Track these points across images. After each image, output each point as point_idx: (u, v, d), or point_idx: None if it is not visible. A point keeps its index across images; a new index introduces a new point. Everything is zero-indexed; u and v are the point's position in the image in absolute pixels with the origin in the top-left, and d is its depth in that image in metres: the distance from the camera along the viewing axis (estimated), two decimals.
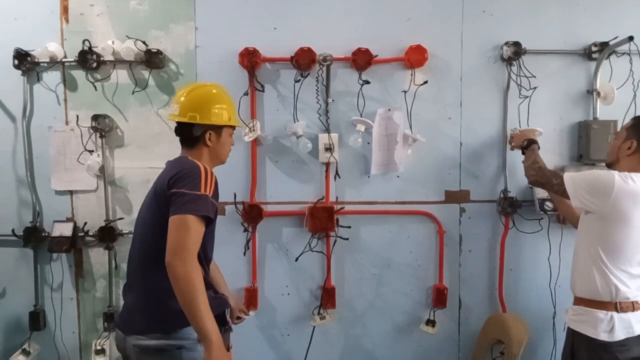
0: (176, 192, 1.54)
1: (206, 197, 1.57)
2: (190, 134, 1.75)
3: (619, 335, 1.80)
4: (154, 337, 1.60)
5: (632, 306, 1.82)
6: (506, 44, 2.47)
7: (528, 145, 2.21)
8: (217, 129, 1.76)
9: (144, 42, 2.43)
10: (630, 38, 2.28)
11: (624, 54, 2.44)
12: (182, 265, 1.46)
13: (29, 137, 2.51)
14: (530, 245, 2.57)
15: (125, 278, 2.52)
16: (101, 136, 2.47)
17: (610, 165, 2.00)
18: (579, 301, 1.92)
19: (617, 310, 1.81)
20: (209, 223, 1.61)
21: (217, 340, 1.48)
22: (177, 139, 2.31)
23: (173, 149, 2.44)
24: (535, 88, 2.49)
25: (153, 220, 1.63)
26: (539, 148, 2.20)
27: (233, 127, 1.84)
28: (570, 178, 1.89)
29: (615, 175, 1.79)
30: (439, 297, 2.54)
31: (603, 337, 1.81)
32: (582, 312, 1.88)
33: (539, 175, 2.03)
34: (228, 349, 1.69)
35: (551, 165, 2.54)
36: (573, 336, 1.90)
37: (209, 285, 1.69)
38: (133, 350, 1.62)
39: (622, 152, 1.91)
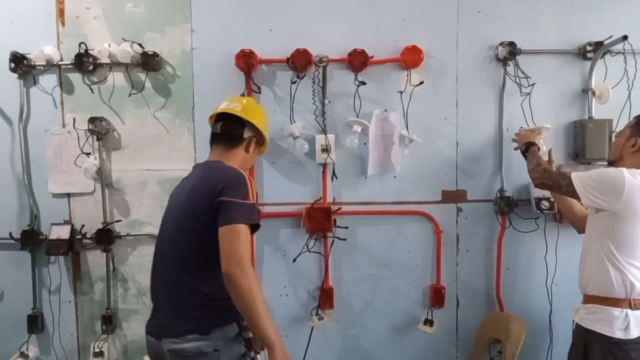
0: (227, 200, 1.56)
1: (254, 206, 1.61)
2: (238, 133, 1.79)
3: (634, 333, 1.79)
4: (191, 339, 1.58)
5: None
6: (501, 44, 2.48)
7: (527, 148, 2.21)
8: (259, 139, 1.87)
9: (140, 45, 2.43)
10: (625, 37, 2.30)
11: (618, 53, 2.45)
12: (244, 275, 1.48)
13: (26, 140, 2.51)
14: (527, 244, 2.58)
15: (123, 280, 2.55)
16: (98, 139, 2.47)
17: (612, 163, 2.01)
18: (590, 299, 1.89)
19: (631, 308, 1.80)
20: (254, 230, 1.65)
21: (279, 343, 1.52)
22: (173, 140, 2.35)
23: (169, 151, 2.48)
24: (533, 84, 2.50)
25: (194, 224, 1.62)
26: (539, 149, 2.21)
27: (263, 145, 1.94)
28: (579, 178, 1.88)
29: (625, 171, 1.80)
30: (437, 297, 2.55)
31: (618, 335, 1.79)
32: (595, 310, 1.86)
33: (545, 178, 2.02)
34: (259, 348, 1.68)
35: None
36: (586, 335, 1.87)
37: None
38: (169, 355, 1.61)
39: (627, 150, 1.92)
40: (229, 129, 1.80)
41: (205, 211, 1.59)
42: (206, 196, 1.60)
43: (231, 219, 1.53)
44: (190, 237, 1.63)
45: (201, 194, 1.62)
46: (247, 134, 1.80)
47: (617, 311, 1.81)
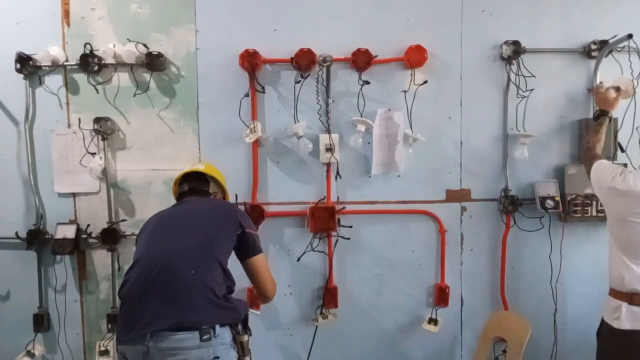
0: (252, 233, 1.90)
1: None
2: (204, 189, 2.08)
3: (625, 325, 1.83)
4: (190, 347, 1.59)
5: None
6: (505, 43, 2.47)
7: (599, 116, 2.25)
8: (222, 197, 2.16)
9: (145, 45, 2.44)
10: (630, 36, 2.29)
11: (623, 50, 2.43)
12: (274, 293, 2.03)
13: (32, 140, 2.53)
14: (531, 244, 2.57)
15: None
16: (103, 139, 2.48)
17: None
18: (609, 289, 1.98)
19: (628, 302, 1.84)
20: None
21: None
22: (178, 140, 2.42)
23: (174, 151, 2.49)
24: (531, 90, 2.49)
25: (219, 232, 1.84)
26: (610, 119, 2.22)
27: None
28: (595, 167, 1.98)
29: (617, 170, 1.87)
30: (441, 296, 2.55)
31: (614, 324, 1.86)
32: (606, 299, 1.96)
33: (582, 157, 2.26)
34: (249, 352, 1.80)
35: (552, 164, 2.55)
36: (601, 320, 1.99)
37: (232, 292, 1.84)
38: None
39: None
40: (196, 185, 2.06)
41: (230, 232, 1.85)
42: (231, 219, 1.88)
43: (259, 249, 1.93)
44: (215, 244, 1.79)
45: (225, 215, 1.90)
46: (212, 189, 2.11)
47: (613, 301, 1.90)
